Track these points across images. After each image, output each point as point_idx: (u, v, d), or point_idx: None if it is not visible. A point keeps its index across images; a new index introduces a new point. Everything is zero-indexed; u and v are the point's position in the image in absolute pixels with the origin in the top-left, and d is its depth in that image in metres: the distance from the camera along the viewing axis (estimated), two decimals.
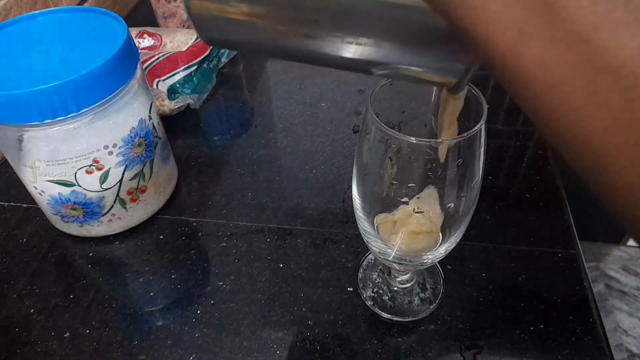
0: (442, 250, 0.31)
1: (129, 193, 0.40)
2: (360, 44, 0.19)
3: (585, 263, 0.39)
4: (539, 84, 0.13)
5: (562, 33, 0.12)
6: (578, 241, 0.41)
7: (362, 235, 0.32)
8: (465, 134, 0.24)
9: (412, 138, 0.25)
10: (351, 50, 0.19)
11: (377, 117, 0.27)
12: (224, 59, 0.62)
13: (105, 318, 0.37)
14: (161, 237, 0.43)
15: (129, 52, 0.36)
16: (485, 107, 0.25)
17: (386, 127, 0.25)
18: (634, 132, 0.11)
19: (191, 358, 0.34)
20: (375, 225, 0.32)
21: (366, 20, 0.18)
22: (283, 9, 0.19)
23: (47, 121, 0.33)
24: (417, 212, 0.30)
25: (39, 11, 0.39)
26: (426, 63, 0.20)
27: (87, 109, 0.34)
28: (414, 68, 0.20)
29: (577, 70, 0.12)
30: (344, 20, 0.19)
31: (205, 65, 0.56)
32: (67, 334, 0.36)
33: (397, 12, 0.18)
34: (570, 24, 0.12)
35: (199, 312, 0.37)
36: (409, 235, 0.31)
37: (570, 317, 0.35)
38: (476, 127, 0.25)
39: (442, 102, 0.24)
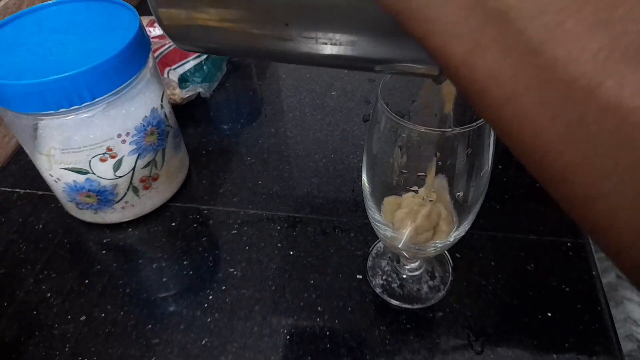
0: (451, 238, 0.31)
1: (142, 181, 0.41)
2: (335, 44, 0.19)
3: (595, 253, 0.39)
4: (494, 96, 0.12)
5: (514, 45, 0.12)
6: None
7: (372, 224, 0.33)
8: (474, 124, 0.25)
9: (421, 127, 0.25)
10: (327, 49, 0.19)
11: (387, 106, 0.27)
12: None
13: (120, 303, 0.38)
14: (173, 224, 0.43)
15: (142, 42, 0.36)
16: None
17: (396, 116, 0.25)
18: (589, 145, 0.11)
19: (203, 342, 0.35)
20: (381, 205, 0.32)
21: (335, 19, 0.18)
22: (252, 13, 0.19)
23: (61, 110, 0.34)
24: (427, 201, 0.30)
25: (53, 1, 0.39)
26: (403, 56, 0.19)
27: (100, 98, 0.34)
28: (393, 62, 0.20)
29: (530, 82, 0.12)
30: (313, 21, 0.18)
31: None
32: (83, 318, 0.37)
33: (366, 9, 0.17)
34: (522, 35, 0.11)
35: (210, 297, 0.38)
36: (418, 224, 0.31)
37: (579, 306, 0.36)
38: None
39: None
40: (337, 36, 0.19)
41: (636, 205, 0.11)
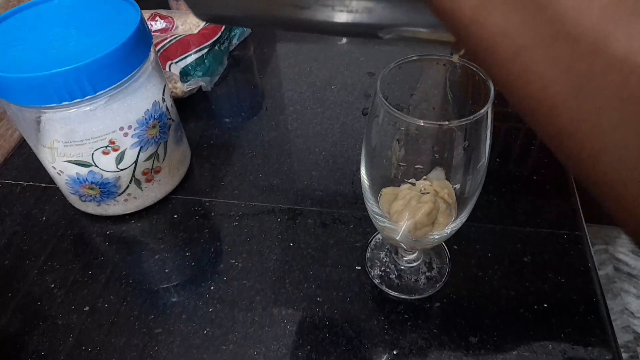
0: (448, 230, 0.32)
1: (144, 174, 0.41)
2: (351, 11, 0.19)
3: (591, 245, 0.40)
4: (503, 52, 0.13)
5: (522, 3, 0.12)
6: (584, 223, 0.41)
7: (371, 216, 0.33)
8: (472, 117, 0.25)
9: (420, 121, 0.25)
10: (343, 17, 0.19)
11: (386, 99, 0.28)
12: (235, 42, 0.62)
13: (123, 293, 0.39)
14: (175, 216, 0.44)
15: (143, 35, 0.37)
16: (493, 90, 0.26)
17: (394, 109, 0.26)
18: (596, 99, 0.11)
19: (205, 332, 0.36)
20: (379, 195, 0.32)
21: None
22: None
23: (64, 103, 0.34)
24: (424, 193, 0.31)
25: None
26: (418, 21, 0.19)
27: (103, 91, 0.35)
28: (411, 28, 0.20)
29: (538, 37, 0.12)
30: None
31: (216, 47, 0.57)
32: (87, 308, 0.38)
33: None
34: None
35: (212, 288, 0.38)
36: (417, 220, 0.31)
37: (575, 297, 0.36)
38: (483, 110, 0.25)
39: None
40: (354, 3, 0.19)
41: (638, 153, 0.11)
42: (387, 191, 0.31)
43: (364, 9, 0.19)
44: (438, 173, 0.30)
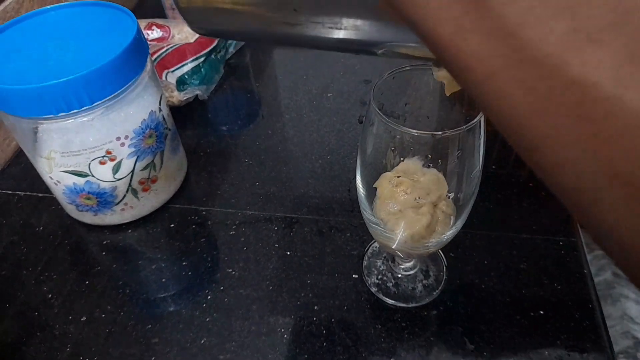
0: (444, 237, 0.32)
1: (141, 183, 0.41)
2: (340, 28, 0.20)
3: (590, 250, 0.40)
4: (477, 74, 0.14)
5: (492, 28, 0.13)
6: (580, 229, 0.41)
7: (367, 224, 0.33)
8: (464, 126, 0.25)
9: (413, 130, 0.25)
10: (334, 34, 0.20)
11: (382, 107, 0.28)
12: (231, 50, 0.63)
13: (120, 303, 0.39)
14: (172, 225, 0.44)
15: (140, 46, 0.37)
16: None
17: (388, 119, 0.26)
18: (557, 118, 0.13)
19: (202, 341, 0.36)
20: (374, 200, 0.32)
21: (340, 6, 0.19)
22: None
23: (61, 114, 0.34)
24: (418, 200, 0.31)
25: (52, 6, 0.40)
26: (404, 39, 0.20)
27: (100, 101, 0.35)
28: (395, 44, 0.21)
29: (507, 61, 0.13)
30: (319, 7, 0.19)
31: (212, 56, 0.57)
32: (84, 318, 0.38)
33: None
34: (500, 19, 0.13)
35: (209, 297, 0.38)
36: (416, 231, 0.31)
37: (570, 303, 0.36)
38: (475, 120, 0.25)
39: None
40: (342, 21, 0.20)
41: (597, 170, 0.13)
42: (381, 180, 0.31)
43: (353, 26, 0.20)
44: (435, 174, 0.30)
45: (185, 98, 0.54)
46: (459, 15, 0.13)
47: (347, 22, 0.19)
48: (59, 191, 0.41)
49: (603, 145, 0.12)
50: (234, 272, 0.40)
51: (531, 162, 0.15)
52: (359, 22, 0.19)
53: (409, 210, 0.30)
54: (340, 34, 0.20)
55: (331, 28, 0.20)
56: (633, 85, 0.12)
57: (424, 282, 0.38)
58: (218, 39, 0.57)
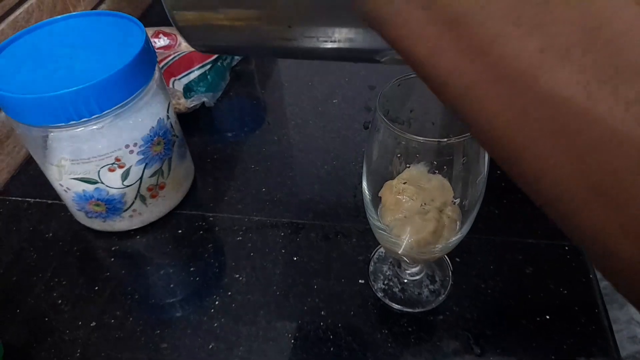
0: (450, 243, 0.32)
1: (149, 190, 0.42)
2: (334, 41, 0.21)
3: None
4: (454, 88, 0.14)
5: (467, 47, 0.13)
6: None
7: (373, 230, 0.34)
8: (469, 133, 0.25)
9: (419, 138, 0.26)
10: (327, 46, 0.21)
11: (387, 113, 0.28)
12: (236, 57, 0.63)
13: (128, 308, 0.39)
14: (179, 231, 0.45)
15: (148, 55, 0.38)
16: None
17: (394, 127, 0.26)
18: (532, 131, 0.13)
19: (210, 346, 0.36)
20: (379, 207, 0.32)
21: (332, 22, 0.20)
22: (258, 17, 0.21)
23: (71, 122, 0.35)
24: (424, 207, 0.31)
25: (62, 16, 0.41)
26: None
27: (109, 110, 0.36)
28: (389, 53, 0.21)
29: (481, 78, 0.13)
30: (312, 24, 0.20)
31: (219, 63, 0.58)
32: (93, 323, 0.38)
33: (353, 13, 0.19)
34: (474, 38, 0.13)
35: (216, 303, 0.39)
36: (423, 237, 0.31)
37: (576, 308, 0.36)
38: None
39: None
40: (335, 35, 0.20)
41: (574, 182, 0.13)
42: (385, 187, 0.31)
43: (346, 39, 0.20)
44: (441, 180, 0.30)
45: (192, 105, 0.55)
46: (435, 34, 0.14)
47: (340, 34, 0.20)
48: (68, 198, 0.41)
49: (578, 158, 0.13)
50: (241, 278, 0.40)
51: (511, 173, 0.15)
52: (352, 34, 0.20)
53: (416, 216, 0.30)
54: (334, 46, 0.21)
55: (325, 42, 0.21)
56: (602, 100, 0.12)
57: (430, 287, 0.38)
58: (217, 54, 0.57)
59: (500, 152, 0.15)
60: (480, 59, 0.13)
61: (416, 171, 0.29)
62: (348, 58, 0.23)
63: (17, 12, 0.50)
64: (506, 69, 0.13)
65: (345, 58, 0.23)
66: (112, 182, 0.39)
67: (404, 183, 0.30)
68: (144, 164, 0.40)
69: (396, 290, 0.38)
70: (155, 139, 0.40)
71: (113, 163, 0.38)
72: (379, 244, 0.40)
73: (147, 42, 0.38)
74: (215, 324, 0.37)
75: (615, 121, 0.12)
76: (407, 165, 0.29)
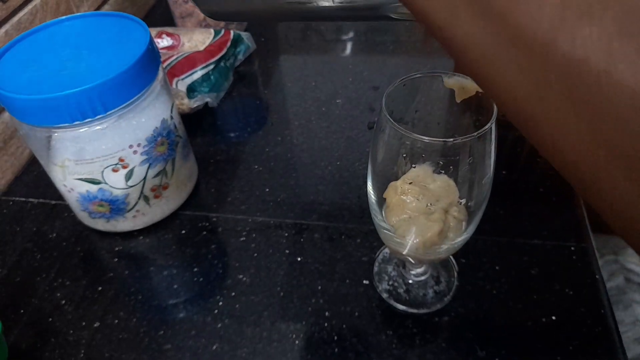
0: (455, 244, 0.32)
1: (153, 190, 0.42)
2: (342, 1, 0.21)
3: (601, 256, 0.40)
4: (471, 55, 0.14)
5: (484, 10, 0.13)
6: (591, 234, 0.41)
7: (378, 230, 0.34)
8: (475, 133, 0.25)
9: (424, 137, 0.25)
10: (334, 5, 0.21)
11: (392, 113, 0.28)
12: (240, 57, 0.63)
13: (132, 309, 0.39)
14: (183, 232, 0.44)
15: (152, 55, 0.38)
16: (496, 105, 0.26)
17: (399, 127, 0.26)
18: (551, 93, 0.13)
19: (214, 347, 0.36)
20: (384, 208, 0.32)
21: None
22: None
23: (75, 123, 0.35)
24: (429, 207, 0.31)
25: (65, 17, 0.41)
26: None
27: (113, 110, 0.35)
28: (399, 6, 0.21)
29: (498, 42, 0.13)
30: None
31: (222, 64, 0.58)
32: (97, 324, 0.38)
33: None
34: (489, 1, 0.13)
35: (220, 304, 0.39)
36: (428, 238, 0.31)
37: (582, 309, 0.36)
38: (487, 126, 0.25)
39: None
40: None
41: (594, 145, 0.13)
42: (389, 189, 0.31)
43: None
44: (446, 180, 0.30)
45: (195, 105, 0.55)
46: (452, 1, 0.14)
47: None
48: (72, 198, 0.41)
49: (597, 120, 0.12)
50: (244, 279, 0.40)
51: (532, 140, 0.15)
52: None
53: (421, 216, 0.30)
54: (339, 4, 0.21)
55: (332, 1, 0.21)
56: (623, 60, 0.11)
57: (435, 288, 0.38)
58: (226, 21, 0.57)
59: (520, 118, 0.14)
60: (496, 22, 0.13)
61: (422, 171, 0.29)
62: (360, 17, 0.23)
63: (21, 14, 0.50)
64: (523, 30, 0.13)
65: (357, 17, 0.23)
66: (116, 182, 0.39)
67: (410, 183, 0.30)
68: (147, 165, 0.40)
69: (401, 291, 0.38)
70: (158, 139, 0.40)
71: (117, 163, 0.38)
72: (383, 244, 0.40)
73: (151, 42, 0.38)
74: (219, 325, 0.37)
75: (637, 82, 0.11)
76: (413, 166, 0.29)
